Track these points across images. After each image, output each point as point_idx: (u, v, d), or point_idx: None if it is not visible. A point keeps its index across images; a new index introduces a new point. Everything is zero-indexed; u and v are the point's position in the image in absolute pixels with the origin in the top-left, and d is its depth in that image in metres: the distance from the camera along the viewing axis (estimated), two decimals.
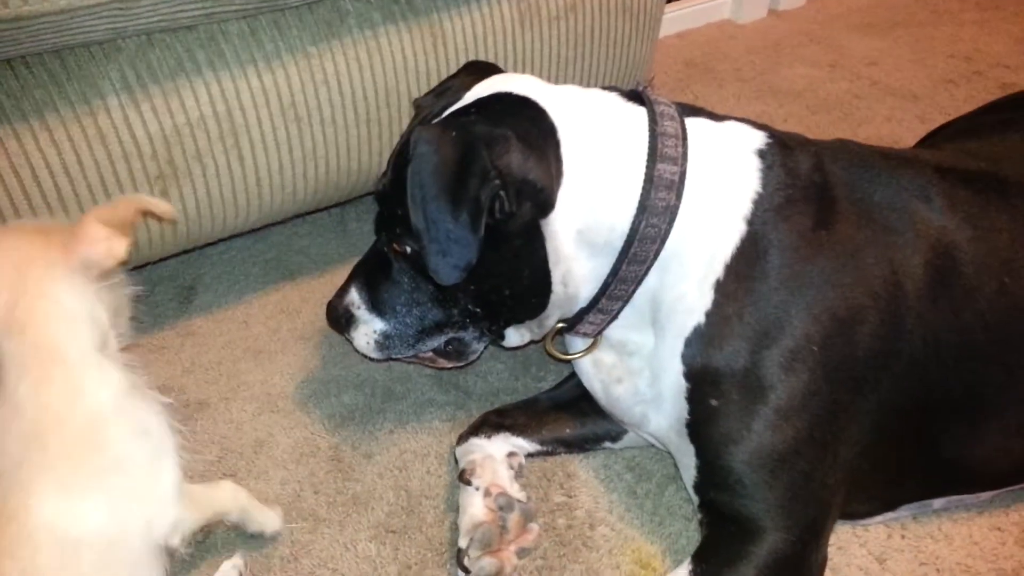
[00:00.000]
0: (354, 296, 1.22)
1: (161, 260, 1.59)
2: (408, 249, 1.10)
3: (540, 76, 1.73)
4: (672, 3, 2.64)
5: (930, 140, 1.55)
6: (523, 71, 1.66)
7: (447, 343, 1.24)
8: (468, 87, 1.13)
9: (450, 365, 1.31)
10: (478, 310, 1.14)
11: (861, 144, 1.18)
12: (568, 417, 1.32)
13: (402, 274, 1.16)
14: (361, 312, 1.21)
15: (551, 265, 1.06)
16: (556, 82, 1.76)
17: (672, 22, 2.62)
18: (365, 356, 1.26)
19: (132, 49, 1.26)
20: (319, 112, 1.44)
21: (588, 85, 1.82)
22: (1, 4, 1.06)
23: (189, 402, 1.40)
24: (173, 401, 0.98)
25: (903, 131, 2.12)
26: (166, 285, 1.63)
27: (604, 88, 1.13)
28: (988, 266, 1.05)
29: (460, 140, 0.98)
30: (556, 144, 1.03)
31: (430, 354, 1.27)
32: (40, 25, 1.11)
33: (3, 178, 1.22)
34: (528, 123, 1.03)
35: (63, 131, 1.24)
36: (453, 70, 1.56)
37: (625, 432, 1.29)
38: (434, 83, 1.57)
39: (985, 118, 1.43)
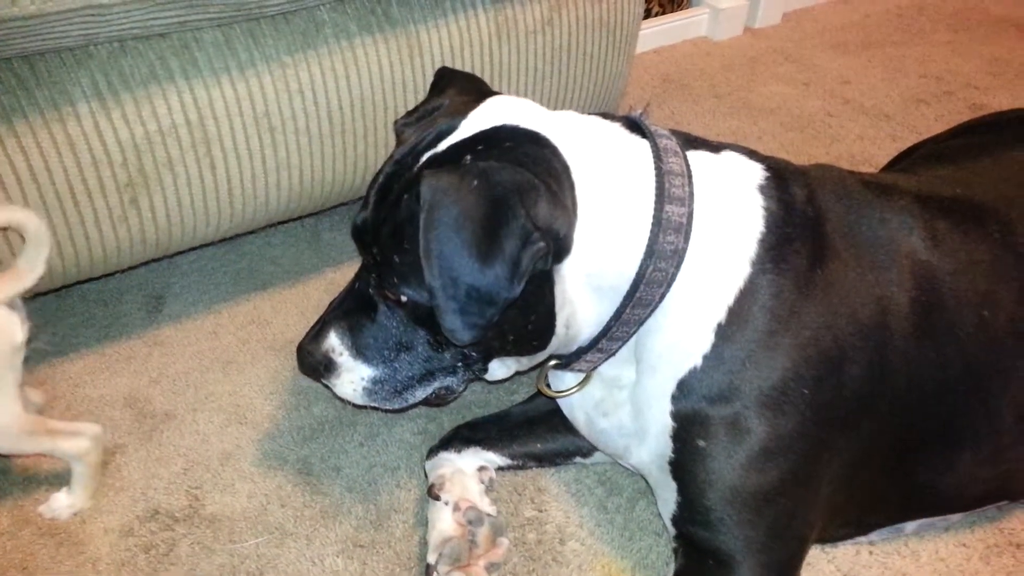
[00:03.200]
0: (334, 341, 1.10)
1: (130, 269, 1.57)
2: (404, 298, 1.02)
3: (516, 89, 1.74)
4: (649, 19, 2.66)
5: (902, 162, 1.56)
6: (500, 84, 1.66)
7: (434, 393, 1.15)
8: (460, 112, 1.05)
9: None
10: (474, 354, 1.08)
11: (841, 171, 1.17)
12: (539, 432, 1.31)
13: (390, 319, 1.07)
14: (343, 359, 1.10)
15: (557, 309, 1.02)
16: (532, 96, 1.78)
17: (649, 38, 2.64)
18: (349, 403, 1.16)
19: (104, 55, 1.25)
20: (293, 122, 1.43)
21: (565, 99, 1.83)
22: None
23: (156, 413, 1.38)
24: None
25: (875, 149, 2.15)
26: (134, 294, 1.61)
27: (603, 116, 1.08)
28: (968, 300, 1.06)
29: (486, 191, 0.90)
30: (571, 186, 0.97)
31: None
32: (9, 29, 1.10)
33: None
34: (545, 164, 0.96)
35: (31, 137, 1.22)
36: (429, 80, 1.55)
37: (596, 449, 1.28)
38: (410, 94, 1.57)
39: (955, 142, 1.44)
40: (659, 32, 2.68)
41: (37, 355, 1.20)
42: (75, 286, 1.55)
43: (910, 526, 1.21)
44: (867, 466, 1.08)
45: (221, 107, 1.35)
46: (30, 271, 1.13)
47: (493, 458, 1.28)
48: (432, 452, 1.28)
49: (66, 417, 1.23)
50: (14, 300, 1.13)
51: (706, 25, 2.77)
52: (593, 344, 1.07)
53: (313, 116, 1.45)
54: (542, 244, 0.91)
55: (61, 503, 1.21)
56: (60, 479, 1.24)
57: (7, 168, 1.21)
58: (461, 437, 1.29)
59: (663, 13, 2.71)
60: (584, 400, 1.18)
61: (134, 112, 1.28)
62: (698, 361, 1.02)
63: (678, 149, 1.04)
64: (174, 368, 1.46)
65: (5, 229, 1.23)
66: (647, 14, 2.63)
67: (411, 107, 1.53)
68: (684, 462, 1.05)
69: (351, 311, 1.10)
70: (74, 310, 1.55)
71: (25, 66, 1.20)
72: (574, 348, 1.09)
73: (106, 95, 1.25)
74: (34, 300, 1.49)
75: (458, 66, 1.57)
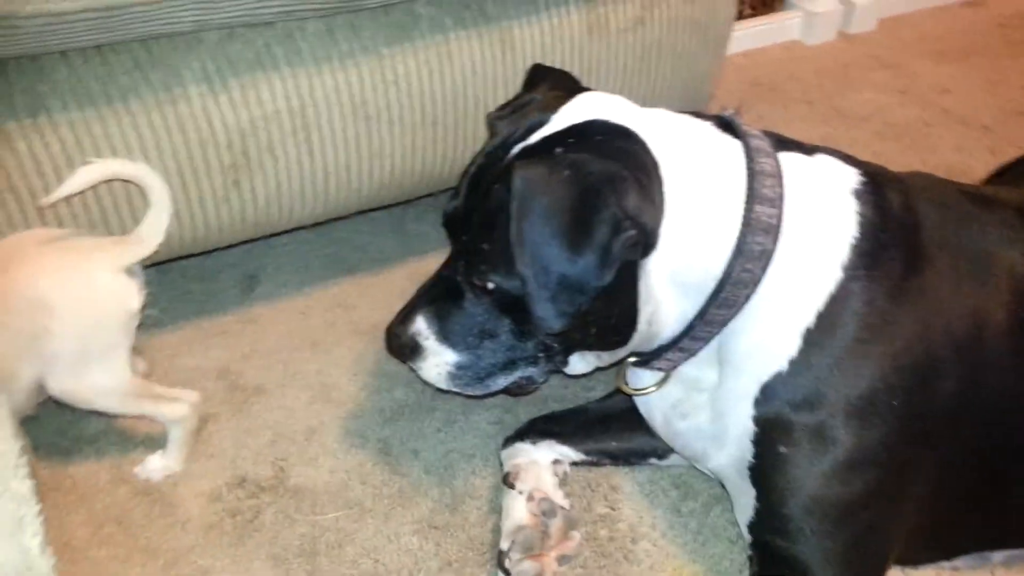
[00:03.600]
0: (421, 325, 1.13)
1: (227, 248, 1.63)
2: (491, 285, 1.04)
3: (606, 87, 1.73)
4: (740, 21, 2.62)
5: (1003, 175, 1.51)
6: (589, 81, 1.66)
7: (515, 382, 1.16)
8: (552, 107, 1.06)
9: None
10: (556, 345, 1.09)
11: (940, 179, 1.14)
12: (615, 429, 1.31)
13: (476, 306, 1.09)
14: (430, 343, 1.12)
15: (640, 304, 1.02)
16: (621, 94, 1.77)
17: (739, 40, 2.59)
18: (433, 386, 1.18)
19: (214, 41, 1.30)
20: (387, 112, 1.47)
21: (654, 98, 1.82)
22: None
23: (247, 386, 1.43)
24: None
25: (973, 162, 2.07)
26: (230, 272, 1.67)
27: (695, 115, 1.08)
28: None
29: (577, 181, 0.92)
30: (659, 181, 0.97)
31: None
32: (132, 14, 1.16)
33: (88, 157, 1.25)
34: (635, 158, 0.96)
35: (145, 117, 1.28)
36: (520, 76, 1.58)
37: (672, 451, 1.27)
38: (501, 89, 1.58)
39: None
40: (750, 34, 2.63)
41: (138, 326, 1.27)
42: (175, 262, 1.61)
43: (998, 555, 1.16)
44: (955, 487, 1.04)
45: (321, 95, 1.39)
46: (151, 237, 1.20)
47: (568, 452, 1.29)
48: (508, 442, 1.29)
49: (163, 385, 1.29)
50: (133, 267, 1.19)
51: (798, 29, 2.71)
52: (675, 343, 1.06)
53: (407, 107, 1.48)
54: (633, 232, 0.92)
55: (156, 465, 1.27)
56: (155, 442, 1.30)
57: (121, 144, 1.28)
58: (537, 429, 1.30)
59: (754, 15, 2.67)
60: (662, 400, 1.18)
61: (240, 97, 1.33)
62: (784, 365, 1.00)
63: (770, 150, 1.03)
64: (265, 345, 1.51)
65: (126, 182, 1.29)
66: (738, 16, 2.60)
67: (501, 101, 1.55)
68: (764, 468, 1.04)
69: (439, 297, 1.13)
70: (173, 285, 1.62)
71: (141, 49, 1.26)
72: (655, 345, 1.09)
73: (215, 79, 1.31)
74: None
75: (549, 63, 1.58)
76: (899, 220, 1.02)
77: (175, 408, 1.25)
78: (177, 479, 1.27)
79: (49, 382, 1.15)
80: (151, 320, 1.40)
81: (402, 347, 1.15)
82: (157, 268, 1.62)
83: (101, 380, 1.17)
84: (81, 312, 1.13)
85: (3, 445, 0.51)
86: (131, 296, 1.18)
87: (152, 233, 1.21)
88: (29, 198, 1.26)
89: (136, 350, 1.41)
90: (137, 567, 1.16)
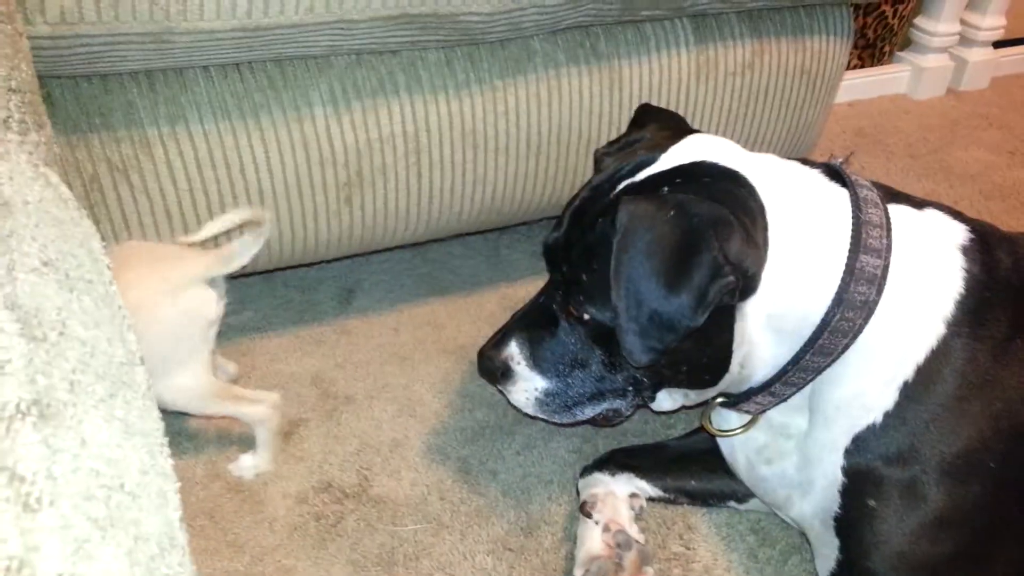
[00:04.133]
0: (514, 350, 1.16)
1: (332, 261, 1.70)
2: (586, 316, 1.06)
3: (711, 129, 1.75)
4: (847, 71, 2.60)
5: None
6: (695, 123, 1.69)
7: (601, 413, 1.18)
8: (661, 146, 1.08)
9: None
10: (645, 379, 1.10)
11: None
12: (695, 469, 1.31)
13: (569, 335, 1.11)
14: (521, 368, 1.16)
15: (735, 346, 1.02)
16: (725, 137, 1.78)
17: (846, 90, 2.57)
18: (521, 411, 1.21)
19: (342, 66, 1.37)
20: (495, 140, 1.52)
21: (758, 142, 1.83)
22: (245, 15, 1.19)
23: (338, 394, 1.49)
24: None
25: None
26: (329, 285, 1.74)
27: (803, 162, 1.09)
28: None
29: (682, 221, 0.92)
30: (765, 226, 0.97)
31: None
32: (274, 35, 1.23)
33: (217, 167, 1.36)
34: (741, 202, 0.97)
35: (273, 133, 1.36)
36: (626, 113, 1.60)
37: (752, 495, 1.27)
38: (606, 125, 1.62)
39: None
40: (856, 85, 2.61)
41: (241, 330, 1.32)
42: (280, 271, 1.70)
43: None
44: None
45: (435, 122, 1.45)
46: (238, 258, 1.25)
47: (645, 487, 1.30)
48: (586, 471, 1.30)
49: (260, 388, 1.36)
50: (216, 279, 1.25)
51: (907, 83, 2.67)
52: (766, 386, 1.06)
53: (514, 137, 1.53)
54: (731, 278, 0.93)
55: (247, 464, 1.33)
56: (250, 442, 1.35)
57: (249, 156, 1.36)
58: (616, 461, 1.31)
59: (862, 67, 2.64)
60: (747, 443, 1.17)
61: (360, 119, 1.40)
62: (878, 417, 1.00)
63: (878, 201, 1.03)
64: (357, 356, 1.57)
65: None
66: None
67: (607, 137, 1.59)
68: (851, 520, 1.03)
69: (533, 324, 1.16)
70: (276, 293, 1.70)
71: (276, 69, 1.34)
72: (745, 388, 1.09)
73: (340, 101, 1.38)
74: (247, 278, 1.66)
75: (656, 102, 1.62)
76: (1007, 280, 1.01)
77: (256, 409, 1.30)
78: (267, 479, 1.33)
79: None
80: (242, 328, 1.47)
81: (493, 370, 1.19)
82: (262, 276, 1.71)
83: (182, 382, 1.24)
84: (163, 318, 1.20)
85: (150, 424, 0.56)
86: (210, 306, 1.24)
87: (241, 255, 1.26)
88: (160, 201, 1.36)
89: (233, 354, 1.49)
90: (224, 560, 1.21)
